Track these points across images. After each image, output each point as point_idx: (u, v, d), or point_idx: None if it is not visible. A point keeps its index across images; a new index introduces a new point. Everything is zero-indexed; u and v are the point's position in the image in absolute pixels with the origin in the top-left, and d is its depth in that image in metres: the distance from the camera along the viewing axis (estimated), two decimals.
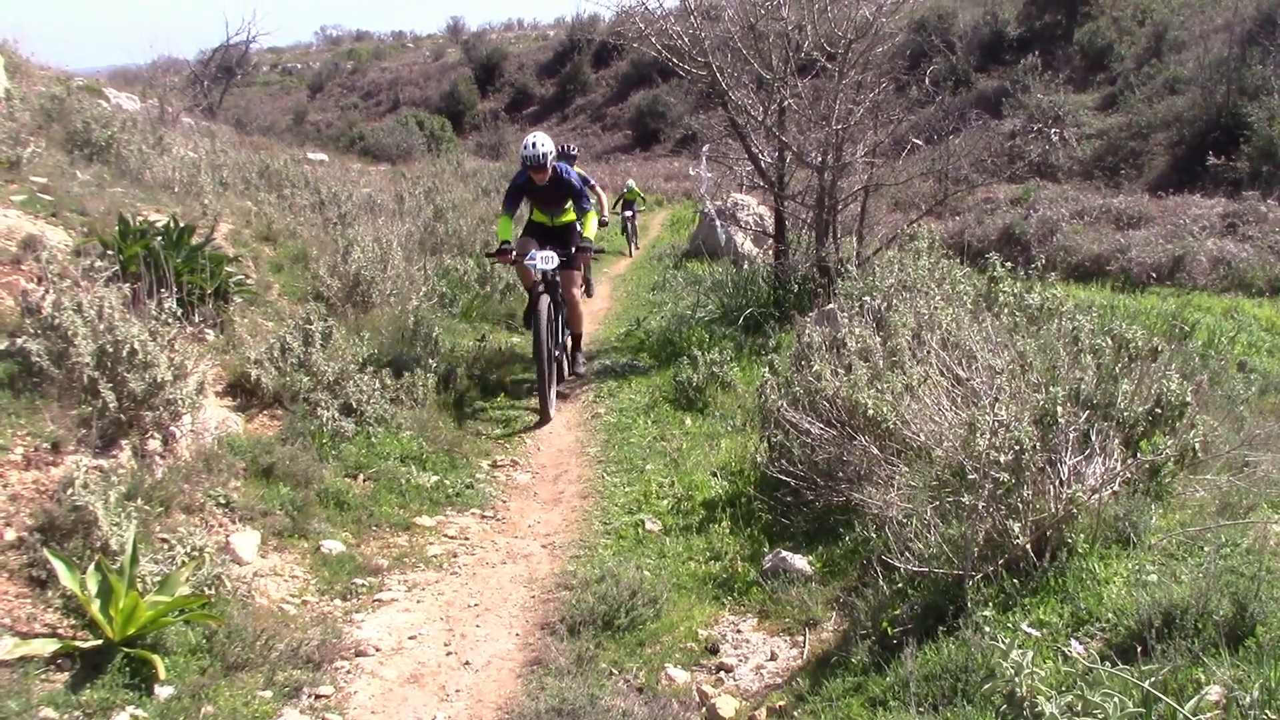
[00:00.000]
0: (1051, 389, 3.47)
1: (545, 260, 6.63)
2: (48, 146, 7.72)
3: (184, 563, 3.45)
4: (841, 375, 4.59)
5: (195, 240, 5.86)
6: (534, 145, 6.69)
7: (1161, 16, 30.01)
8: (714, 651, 3.59)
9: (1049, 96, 27.89)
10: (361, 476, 5.05)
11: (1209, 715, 2.16)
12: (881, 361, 4.74)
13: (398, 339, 6.82)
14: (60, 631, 3.10)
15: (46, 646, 2.96)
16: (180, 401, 4.26)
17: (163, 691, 3.02)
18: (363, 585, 4.13)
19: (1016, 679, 2.32)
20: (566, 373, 7.35)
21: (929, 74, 14.40)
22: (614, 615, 3.73)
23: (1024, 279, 6.28)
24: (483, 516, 5.07)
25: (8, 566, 3.24)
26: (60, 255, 5.21)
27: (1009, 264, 6.18)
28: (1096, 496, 3.16)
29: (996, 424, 3.17)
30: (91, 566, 3.18)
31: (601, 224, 8.47)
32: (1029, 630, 2.79)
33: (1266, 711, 2.11)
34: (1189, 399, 3.77)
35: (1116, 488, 3.30)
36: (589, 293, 9.52)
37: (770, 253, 10.98)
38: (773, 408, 4.86)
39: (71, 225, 5.96)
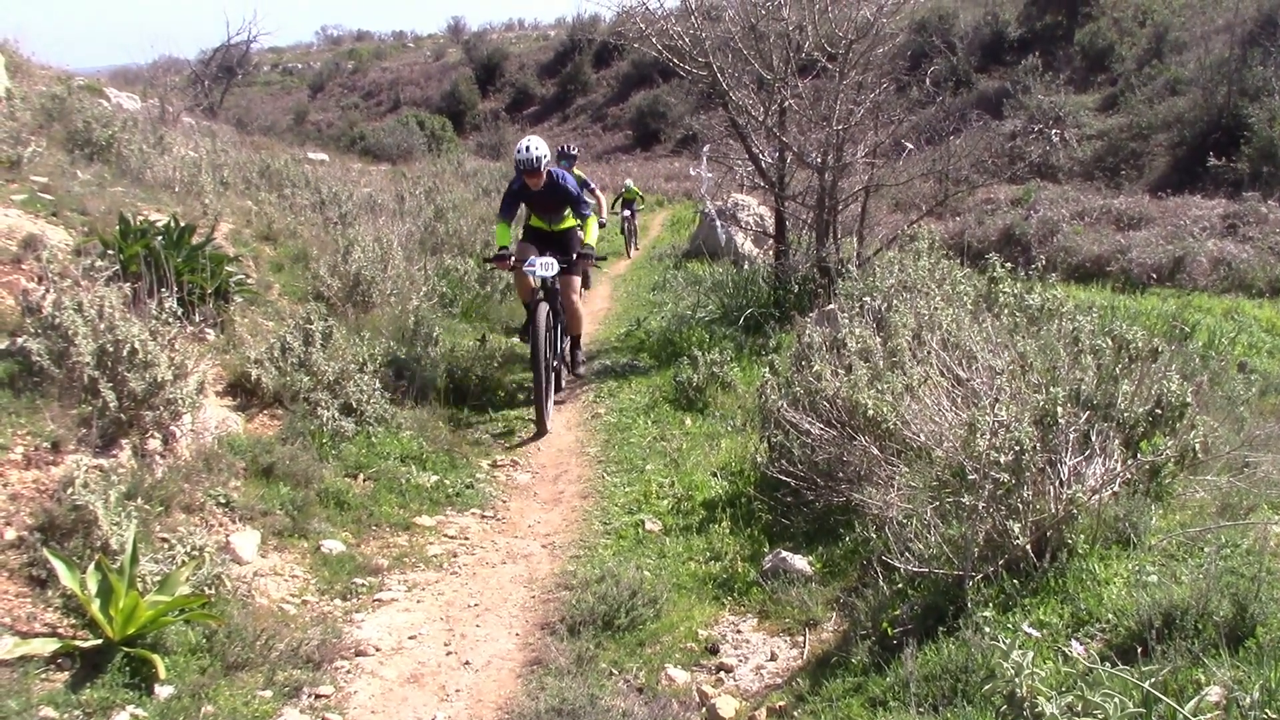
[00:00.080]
0: (1052, 389, 3.47)
1: (545, 267, 6.44)
2: (48, 146, 7.72)
3: (184, 562, 3.45)
4: (842, 375, 4.59)
5: (196, 240, 5.86)
6: (528, 149, 6.47)
7: (1162, 17, 30.02)
8: (714, 651, 3.59)
9: (1050, 97, 27.90)
10: (361, 476, 5.05)
11: (1209, 716, 2.15)
12: (882, 362, 4.74)
13: (398, 339, 6.81)
14: (60, 631, 3.10)
15: (46, 646, 2.96)
16: (180, 401, 4.27)
17: (163, 691, 3.02)
18: (363, 585, 4.13)
19: (1017, 679, 2.32)
20: (563, 383, 7.18)
21: (930, 75, 14.44)
22: (614, 615, 3.73)
23: (1024, 280, 6.28)
24: (483, 516, 5.07)
25: (8, 566, 3.24)
26: (61, 255, 5.21)
27: (1009, 265, 6.18)
28: (1097, 497, 3.16)
29: (997, 424, 3.17)
30: (91, 566, 3.18)
31: (600, 225, 8.32)
32: (1029, 631, 2.79)
33: (1266, 712, 2.11)
34: (1189, 400, 3.77)
35: (1117, 488, 3.30)
36: (586, 285, 9.34)
37: (770, 253, 10.99)
38: (773, 408, 4.86)
39: (72, 225, 5.96)
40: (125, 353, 4.07)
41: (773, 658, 3.50)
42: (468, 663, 3.59)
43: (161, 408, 4.19)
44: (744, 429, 6.11)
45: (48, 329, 4.07)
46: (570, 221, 7.02)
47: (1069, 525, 3.08)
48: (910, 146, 9.29)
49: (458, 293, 9.09)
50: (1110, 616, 2.78)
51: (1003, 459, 3.05)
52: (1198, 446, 3.67)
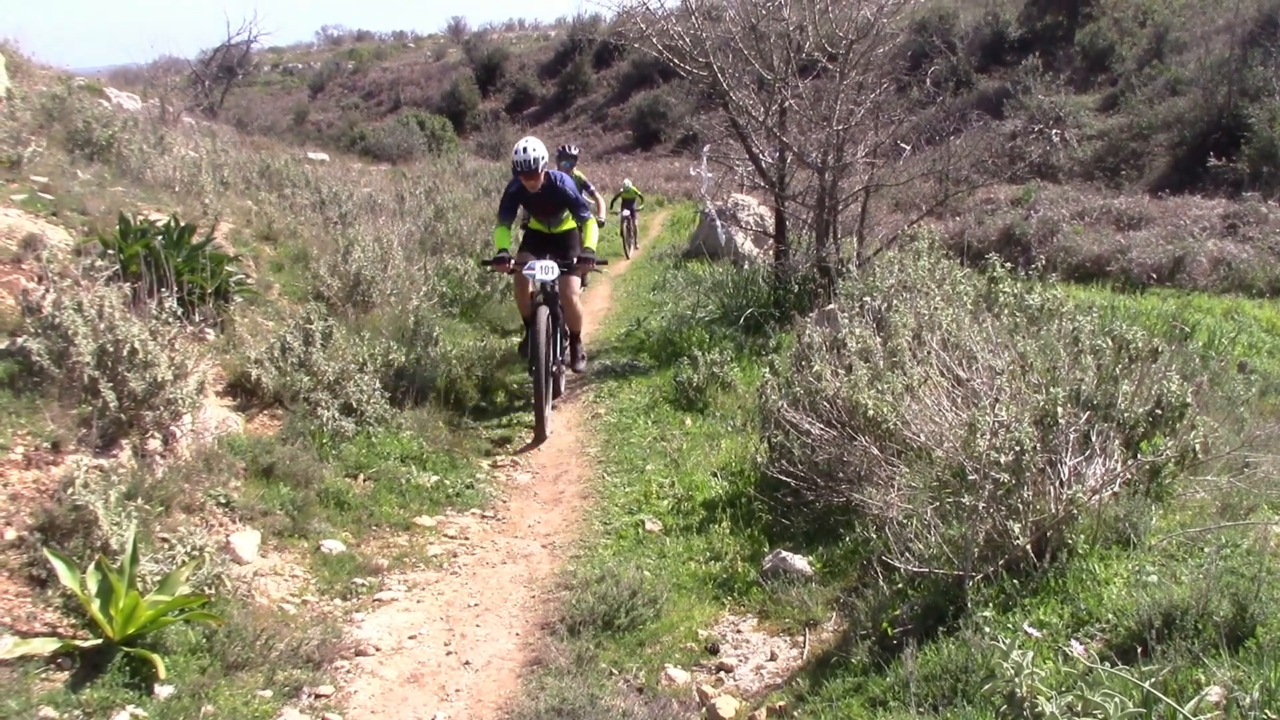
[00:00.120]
0: (1052, 390, 3.47)
1: (545, 270, 6.32)
2: (49, 146, 7.72)
3: (184, 562, 3.45)
4: (842, 376, 4.59)
5: (196, 240, 5.86)
6: (524, 150, 6.34)
7: (1163, 18, 30.03)
8: (714, 651, 3.59)
9: (1050, 97, 27.90)
10: (361, 476, 5.05)
11: (1209, 716, 2.15)
12: (882, 362, 4.74)
13: (398, 339, 6.81)
14: (60, 631, 3.10)
15: (46, 646, 2.96)
16: (180, 401, 4.27)
17: (163, 691, 3.02)
18: (363, 585, 4.13)
19: (1016, 679, 2.32)
20: (562, 386, 7.05)
21: (930, 75, 14.44)
22: (614, 615, 3.73)
23: (1024, 280, 6.28)
24: (483, 516, 5.07)
25: (8, 566, 3.24)
26: (61, 254, 5.20)
27: (1009, 264, 6.18)
28: (1097, 497, 3.16)
29: (997, 425, 3.17)
30: (91, 566, 3.18)
31: (599, 224, 8.25)
32: (1029, 631, 2.79)
33: (1266, 712, 2.11)
34: (1189, 400, 3.77)
35: (1117, 488, 3.30)
36: (583, 283, 9.24)
37: (771, 253, 10.99)
38: (773, 408, 4.86)
39: (72, 224, 5.96)
40: (125, 353, 4.07)
41: (773, 658, 3.50)
42: (468, 662, 3.59)
43: (161, 408, 4.19)
44: (744, 429, 6.11)
45: (48, 329, 4.07)
46: (569, 224, 6.92)
47: (1069, 525, 3.08)
48: (906, 148, 9.28)
49: (458, 293, 9.09)
50: (1110, 616, 2.78)
51: (1003, 459, 3.05)
52: (1198, 447, 3.67)
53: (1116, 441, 3.53)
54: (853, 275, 7.37)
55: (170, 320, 4.46)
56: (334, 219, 9.67)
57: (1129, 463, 3.46)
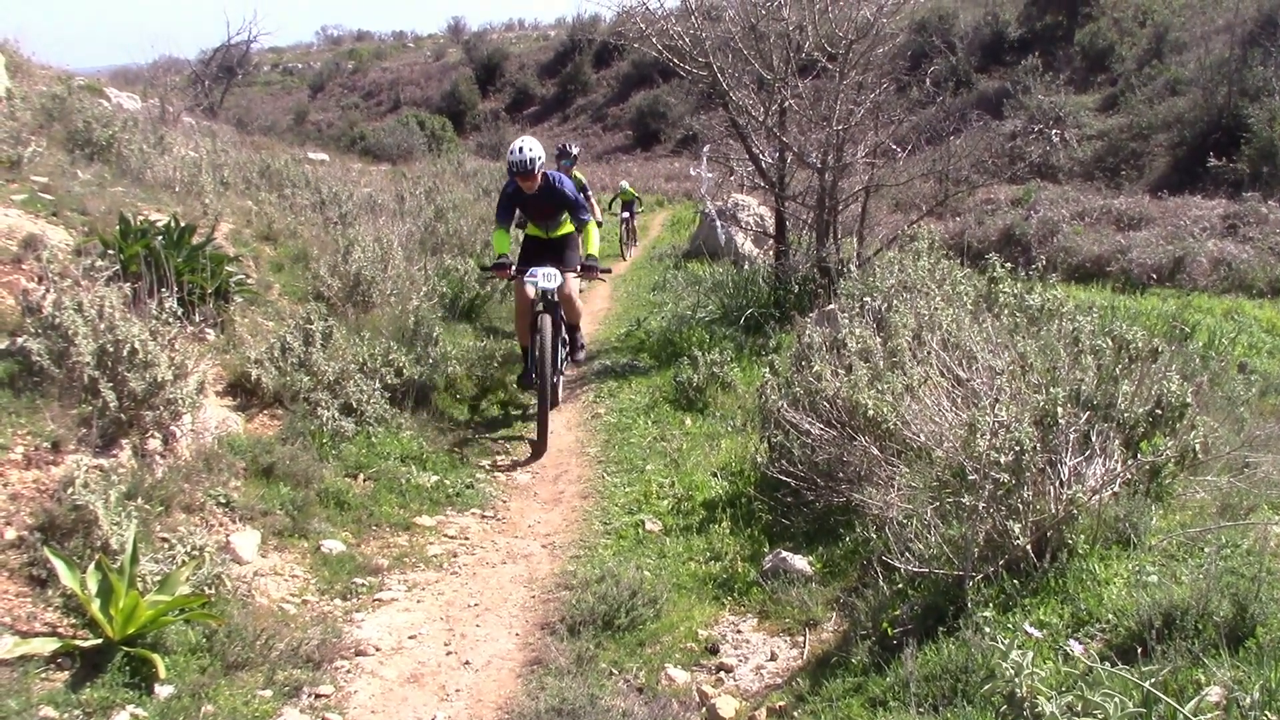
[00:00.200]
0: (1052, 390, 3.47)
1: (547, 278, 6.07)
2: (49, 146, 7.72)
3: (184, 562, 3.45)
4: (842, 376, 4.59)
5: (196, 240, 5.86)
6: (520, 150, 6.08)
7: (1162, 18, 30.02)
8: (714, 651, 3.59)
9: (1050, 97, 27.90)
10: (361, 476, 5.05)
11: (1209, 716, 2.15)
12: (882, 362, 4.74)
13: (398, 339, 6.80)
14: (60, 630, 3.10)
15: (46, 645, 2.96)
16: (180, 401, 4.27)
17: (163, 691, 3.02)
18: (363, 585, 4.13)
19: (1017, 679, 2.32)
20: (560, 397, 6.79)
21: (930, 75, 14.43)
22: (614, 615, 3.73)
23: (1024, 280, 6.28)
24: (483, 516, 5.07)
25: (8, 565, 3.24)
26: (61, 254, 5.20)
27: (1009, 265, 6.18)
28: (1097, 497, 3.16)
29: (997, 425, 3.17)
30: (92, 566, 3.18)
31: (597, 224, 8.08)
32: (1029, 631, 2.79)
33: (1266, 712, 2.11)
34: (1189, 400, 3.77)
35: (1117, 489, 3.30)
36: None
37: (771, 253, 10.99)
38: (773, 408, 4.86)
39: (72, 224, 5.96)
40: (125, 353, 4.07)
41: (773, 658, 3.50)
42: (468, 662, 3.60)
43: (161, 408, 4.19)
44: (744, 429, 6.11)
45: (48, 329, 4.07)
46: (567, 226, 6.69)
47: (1069, 525, 3.08)
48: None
49: (458, 293, 9.09)
50: (1110, 616, 2.78)
51: (1003, 459, 3.05)
52: (1198, 447, 3.67)
53: (1116, 441, 3.53)
54: (853, 275, 7.38)
55: (170, 320, 4.46)
56: (334, 219, 9.67)
57: (1129, 463, 3.46)
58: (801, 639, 3.55)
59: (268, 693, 3.20)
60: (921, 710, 2.68)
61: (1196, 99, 24.79)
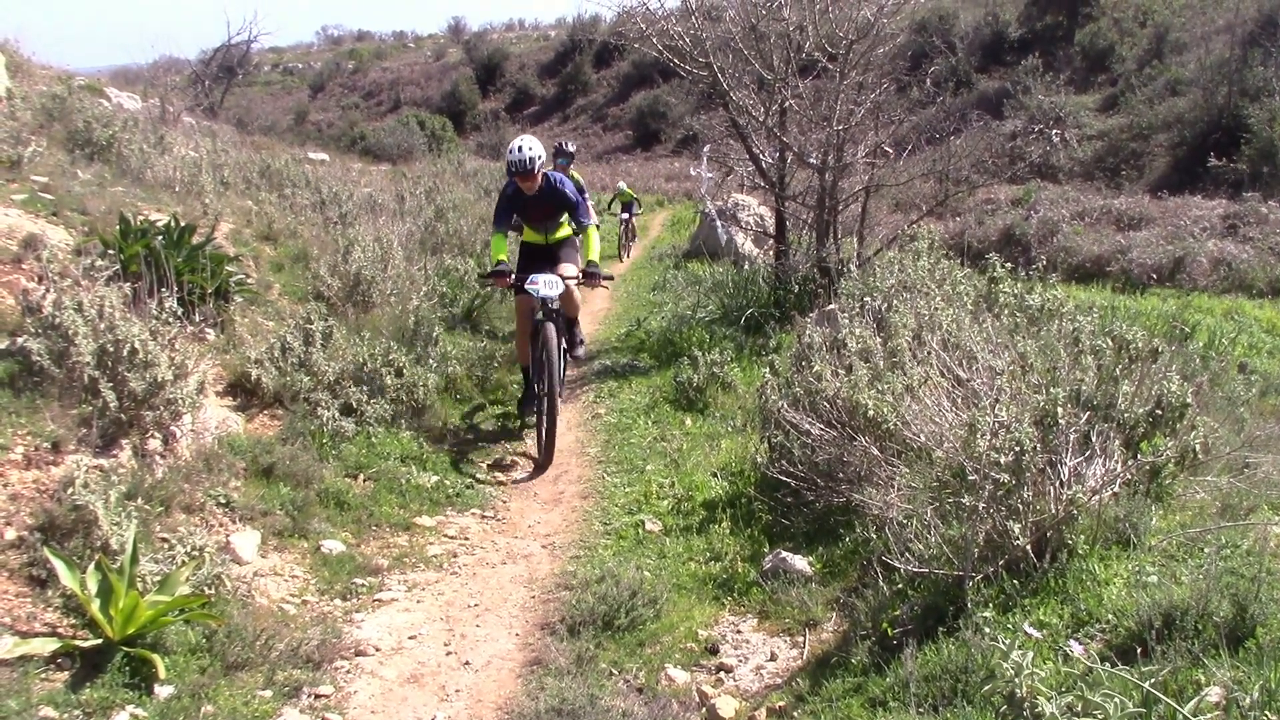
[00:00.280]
0: (1052, 390, 3.47)
1: (549, 285, 5.82)
2: (49, 146, 7.72)
3: (184, 562, 3.45)
4: (842, 376, 4.59)
5: (196, 240, 5.86)
6: (520, 150, 5.83)
7: (1163, 18, 30.03)
8: (714, 652, 3.59)
9: (1050, 97, 27.91)
10: (361, 476, 5.05)
11: (1209, 716, 2.15)
12: (882, 362, 4.74)
13: (398, 339, 6.80)
14: (60, 631, 3.10)
15: (46, 646, 2.96)
16: (180, 401, 4.27)
17: (163, 691, 3.02)
18: (363, 585, 4.13)
19: (1016, 680, 2.32)
20: (562, 393, 6.35)
21: (930, 75, 14.44)
22: (614, 615, 3.73)
23: (1024, 280, 6.28)
24: (483, 516, 5.07)
25: (8, 565, 3.24)
26: (61, 254, 5.21)
27: (1009, 265, 6.18)
28: (1097, 498, 3.15)
29: (997, 425, 3.17)
30: (91, 566, 3.18)
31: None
32: (1029, 631, 2.79)
33: (1266, 713, 2.11)
34: (1189, 400, 3.77)
35: (1117, 489, 3.30)
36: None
37: (771, 253, 10.99)
38: (773, 408, 4.86)
39: (72, 224, 5.96)
40: (125, 353, 4.07)
41: (773, 658, 3.50)
42: (468, 663, 3.59)
43: (161, 408, 4.19)
44: (744, 429, 6.10)
45: (48, 329, 4.07)
46: (566, 229, 6.44)
47: (1069, 526, 3.07)
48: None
49: (458, 293, 9.10)
50: (1110, 617, 2.78)
51: (1003, 459, 3.05)
52: (1198, 447, 3.67)
53: (1116, 442, 3.53)
54: (853, 275, 7.37)
55: (170, 320, 4.46)
56: (334, 219, 9.67)
57: (1129, 463, 3.46)
58: (801, 639, 3.55)
59: (268, 693, 3.20)
60: (921, 710, 2.68)
61: (1197, 99, 24.81)
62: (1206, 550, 2.93)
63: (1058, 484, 3.16)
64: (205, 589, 3.46)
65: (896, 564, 3.30)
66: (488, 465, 5.82)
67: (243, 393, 5.29)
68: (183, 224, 5.86)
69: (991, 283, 6.04)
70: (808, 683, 3.18)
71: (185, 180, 8.38)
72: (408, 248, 9.23)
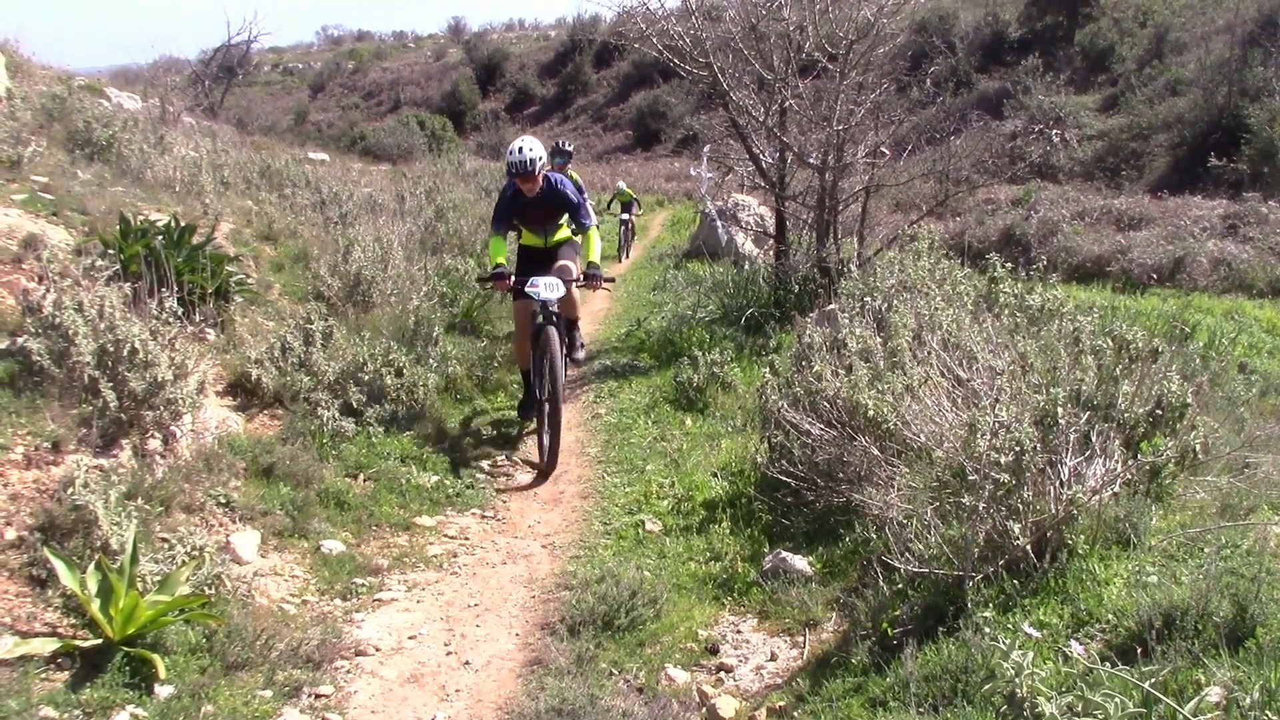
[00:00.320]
0: (1052, 390, 3.47)
1: (550, 288, 5.67)
2: (49, 146, 7.72)
3: (184, 562, 3.45)
4: (842, 376, 4.59)
5: (196, 239, 5.86)
6: (520, 150, 5.68)
7: (1163, 18, 30.03)
8: (714, 652, 3.59)
9: (1050, 97, 27.92)
10: (362, 476, 5.05)
11: (1209, 716, 2.15)
12: (882, 362, 4.74)
13: (398, 339, 6.79)
14: (60, 631, 3.10)
15: (46, 645, 2.96)
16: (181, 401, 4.27)
17: (163, 691, 3.02)
18: (363, 585, 4.13)
19: (1017, 679, 2.32)
20: (563, 401, 6.00)
21: (930, 75, 14.44)
22: (614, 615, 3.73)
23: (1025, 280, 6.28)
24: (483, 516, 5.07)
25: (8, 565, 3.24)
26: (61, 254, 5.21)
27: (1009, 265, 6.18)
28: (1097, 498, 3.15)
29: (997, 425, 3.17)
30: (91, 566, 3.18)
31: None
32: (1029, 631, 2.79)
33: (1266, 712, 2.11)
34: (1189, 400, 3.77)
35: (1117, 489, 3.30)
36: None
37: (771, 253, 11.00)
38: (773, 408, 4.86)
39: (72, 224, 5.96)
40: (125, 352, 4.07)
41: (773, 658, 3.50)
42: (468, 663, 3.59)
43: (162, 408, 4.19)
44: (744, 429, 6.10)
45: (48, 329, 4.07)
46: (565, 232, 6.30)
47: (1069, 526, 3.07)
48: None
49: (458, 293, 9.09)
50: (1110, 617, 2.78)
51: (1003, 459, 3.05)
52: (1198, 447, 3.67)
53: (1116, 442, 3.53)
54: (853, 275, 7.37)
55: (170, 320, 4.46)
56: (334, 219, 9.68)
57: (1129, 463, 3.46)
58: (801, 639, 3.55)
59: (268, 693, 3.20)
60: (921, 710, 2.68)
61: (1197, 99, 24.81)
62: (1206, 550, 2.93)
63: (1058, 484, 3.16)
64: (205, 589, 3.46)
65: (896, 564, 3.30)
66: (488, 465, 5.81)
67: (243, 393, 5.29)
68: (183, 224, 5.86)
69: (991, 283, 6.04)
70: (808, 683, 3.18)
71: (185, 180, 8.38)
72: (408, 248, 9.23)
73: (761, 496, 4.72)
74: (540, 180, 5.82)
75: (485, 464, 5.82)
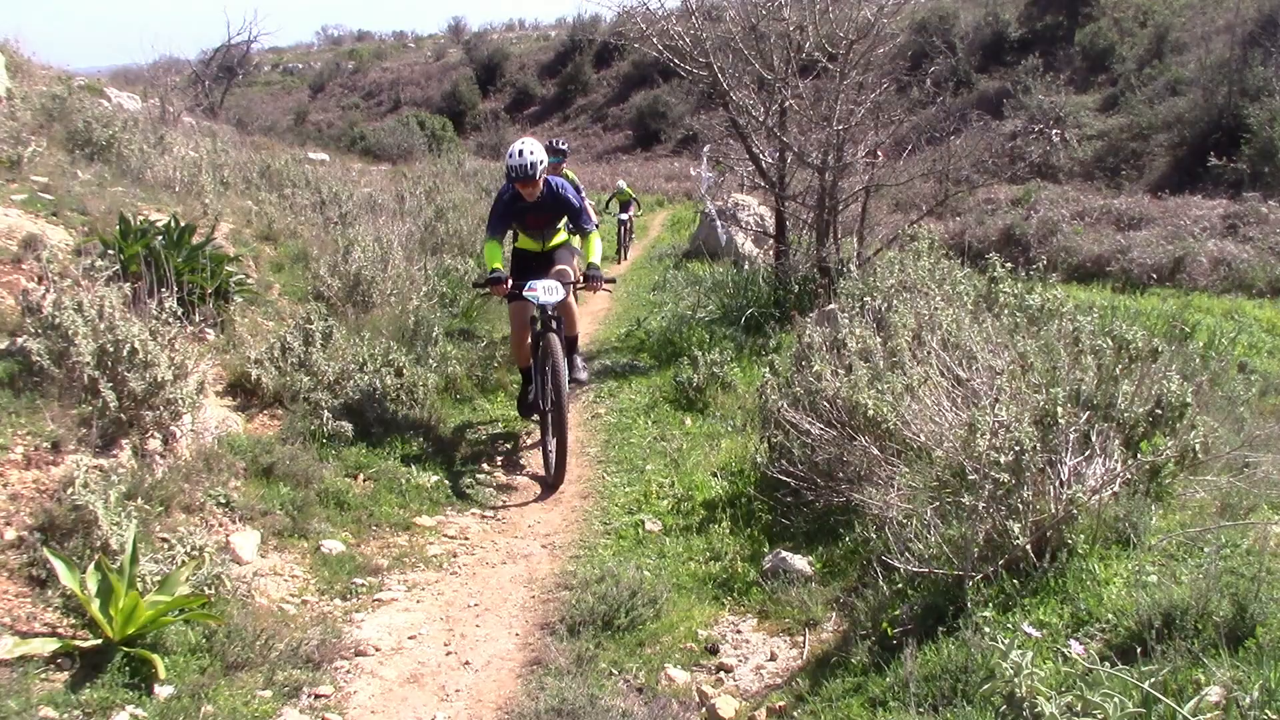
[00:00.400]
0: (1052, 390, 3.46)
1: (548, 291, 5.46)
2: (49, 146, 7.72)
3: (184, 562, 3.45)
4: (842, 376, 4.59)
5: (196, 240, 5.86)
6: (520, 154, 5.44)
7: (1163, 18, 30.05)
8: (714, 652, 3.59)
9: (1050, 97, 27.94)
10: (361, 476, 5.05)
11: (1209, 716, 2.15)
12: (882, 362, 4.74)
13: (398, 339, 6.79)
14: (60, 631, 3.10)
15: (46, 646, 2.96)
16: (180, 401, 4.27)
17: (162, 691, 3.02)
18: (363, 585, 4.13)
19: (1016, 679, 2.32)
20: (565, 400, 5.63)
21: (930, 75, 14.41)
22: (614, 615, 3.73)
23: (1024, 280, 6.28)
24: (483, 516, 5.07)
25: (8, 566, 3.24)
26: (61, 254, 5.21)
27: (1009, 265, 6.18)
28: (1097, 497, 3.15)
29: (997, 424, 3.17)
30: (91, 566, 3.18)
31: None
32: (1029, 631, 2.79)
33: (1266, 712, 2.11)
34: (1189, 400, 3.77)
35: (1117, 488, 3.30)
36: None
37: (771, 253, 11.00)
38: (773, 408, 4.86)
39: (72, 224, 5.96)
40: (125, 353, 4.07)
41: (773, 658, 3.50)
42: (468, 663, 3.59)
43: (161, 408, 4.19)
44: (744, 429, 6.10)
45: (48, 329, 4.07)
46: (563, 236, 6.09)
47: (1069, 525, 3.07)
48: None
49: (457, 293, 9.10)
50: (1110, 616, 2.78)
51: (1003, 459, 3.05)
52: (1198, 447, 3.67)
53: (1116, 441, 3.53)
54: (853, 275, 7.37)
55: (170, 320, 4.46)
56: (334, 219, 9.68)
57: (1129, 463, 3.46)
58: (801, 639, 3.55)
59: (267, 693, 3.20)
60: (921, 710, 2.68)
61: (1197, 99, 24.82)
62: (1206, 550, 2.93)
63: (1058, 484, 3.16)
64: (205, 589, 3.46)
65: (896, 564, 3.30)
66: (488, 465, 5.81)
67: (243, 393, 5.30)
68: (183, 224, 5.86)
69: (991, 282, 6.04)
70: (808, 682, 3.18)
71: (185, 180, 8.39)
72: (408, 248, 9.22)
73: (761, 496, 4.72)
74: (541, 184, 5.62)
75: (485, 464, 5.82)
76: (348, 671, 3.46)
